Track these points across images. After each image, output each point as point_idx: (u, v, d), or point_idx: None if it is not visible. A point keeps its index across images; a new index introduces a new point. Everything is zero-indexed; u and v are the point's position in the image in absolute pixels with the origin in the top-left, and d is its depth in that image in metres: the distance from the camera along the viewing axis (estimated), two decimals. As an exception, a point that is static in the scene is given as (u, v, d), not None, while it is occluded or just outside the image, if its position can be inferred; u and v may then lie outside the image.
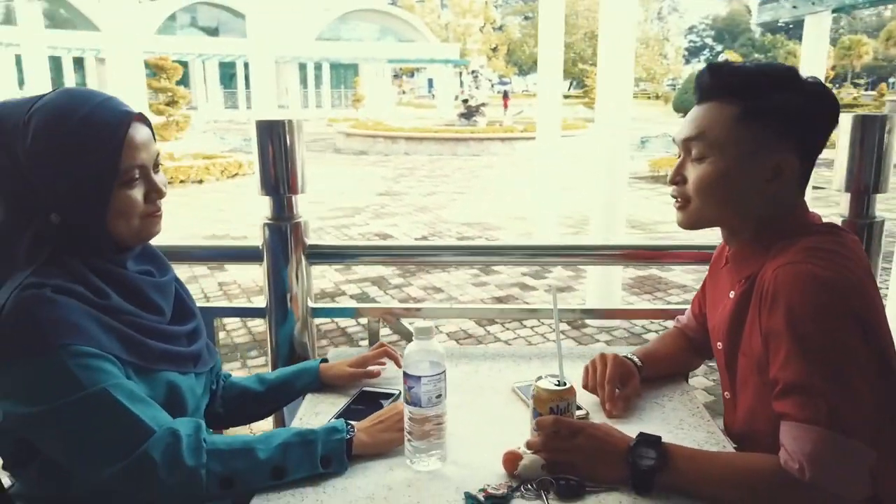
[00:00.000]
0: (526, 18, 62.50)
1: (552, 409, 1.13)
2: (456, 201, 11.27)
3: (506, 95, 30.77)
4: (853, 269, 1.06)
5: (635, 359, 1.42)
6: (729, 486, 1.03)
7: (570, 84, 56.47)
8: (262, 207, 1.64)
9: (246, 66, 37.12)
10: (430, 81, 54.16)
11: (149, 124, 1.16)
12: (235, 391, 1.44)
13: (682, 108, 34.19)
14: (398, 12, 44.72)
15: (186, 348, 1.23)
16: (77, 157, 1.05)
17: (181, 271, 1.34)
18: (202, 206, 10.76)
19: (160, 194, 1.17)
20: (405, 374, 1.11)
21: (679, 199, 1.21)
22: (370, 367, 1.45)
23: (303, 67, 39.69)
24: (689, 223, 1.22)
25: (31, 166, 1.05)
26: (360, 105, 32.96)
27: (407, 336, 1.73)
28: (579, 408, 1.33)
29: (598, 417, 1.32)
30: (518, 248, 1.73)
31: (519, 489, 1.06)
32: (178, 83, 15.96)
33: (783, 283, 1.05)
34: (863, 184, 1.55)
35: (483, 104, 21.17)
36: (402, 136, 19.19)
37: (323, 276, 6.52)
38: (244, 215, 9.55)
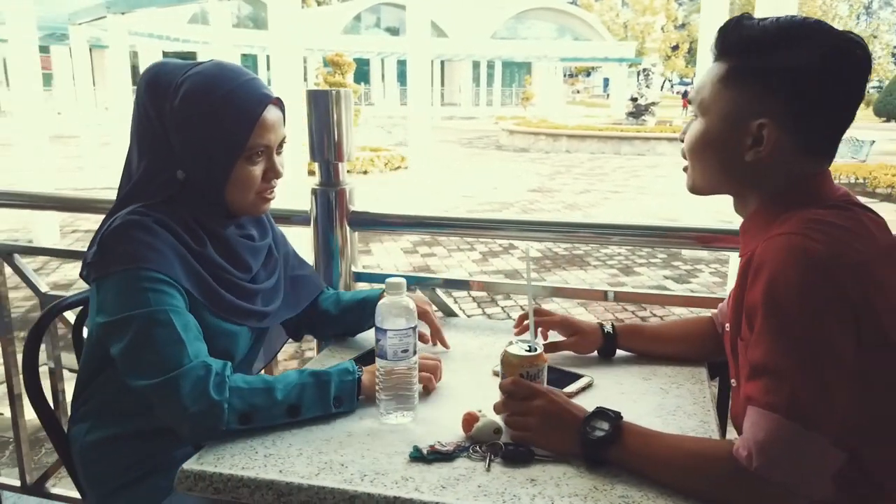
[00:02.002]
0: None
1: (522, 374, 1.11)
2: (609, 200, 11.00)
3: (685, 95, 29.55)
4: (858, 249, 0.94)
5: (607, 325, 1.40)
6: (675, 468, 0.95)
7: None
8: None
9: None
10: (606, 81, 52.97)
11: (283, 109, 1.28)
12: (320, 309, 1.53)
13: (884, 111, 30.83)
14: (575, 11, 44.18)
15: (256, 306, 1.33)
16: (213, 127, 1.19)
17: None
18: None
19: (276, 175, 1.28)
20: (375, 328, 1.14)
21: (684, 159, 1.15)
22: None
23: (476, 66, 40.40)
24: (689, 185, 1.15)
25: (173, 125, 1.20)
26: (529, 103, 32.97)
27: (444, 309, 1.75)
28: (581, 375, 1.30)
29: (603, 386, 1.29)
30: (555, 225, 1.70)
31: (467, 449, 1.06)
32: (359, 80, 16.86)
33: (770, 254, 0.95)
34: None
35: (653, 103, 20.44)
36: (564, 134, 19.00)
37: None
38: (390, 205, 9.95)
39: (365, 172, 13.79)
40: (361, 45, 34.34)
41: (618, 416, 1.02)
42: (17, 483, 2.25)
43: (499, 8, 40.27)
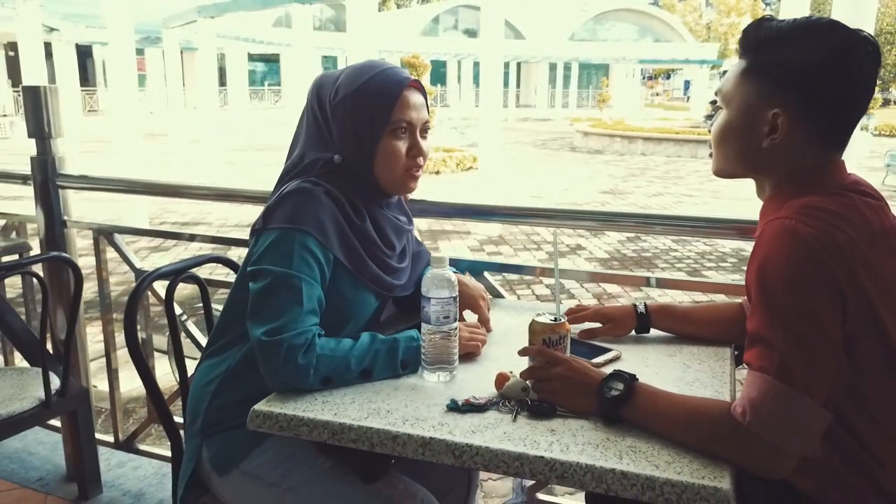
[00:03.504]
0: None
1: (544, 340, 1.24)
2: (682, 203, 10.87)
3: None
4: (846, 231, 1.03)
5: (640, 305, 1.50)
6: (678, 425, 1.06)
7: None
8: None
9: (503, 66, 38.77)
10: (687, 83, 51.75)
11: (423, 93, 1.46)
12: None
13: None
14: (655, 12, 43.37)
15: (392, 279, 1.47)
16: (360, 108, 1.38)
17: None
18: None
19: (420, 152, 1.43)
20: (421, 296, 1.29)
21: (709, 147, 1.27)
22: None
23: (553, 67, 40.19)
24: (714, 170, 1.27)
25: (331, 115, 1.40)
26: (605, 105, 32.58)
27: (492, 291, 1.89)
28: (610, 349, 1.42)
29: (629, 360, 1.40)
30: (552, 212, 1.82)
31: (497, 404, 1.20)
32: (435, 82, 17.14)
33: (766, 236, 1.06)
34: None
35: (733, 106, 19.88)
36: (639, 137, 18.77)
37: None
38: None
39: (437, 173, 14.03)
40: (438, 46, 34.71)
41: (632, 377, 1.14)
42: (112, 440, 2.54)
43: (579, 10, 39.97)
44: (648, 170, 15.23)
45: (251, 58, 31.67)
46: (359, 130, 1.38)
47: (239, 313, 1.36)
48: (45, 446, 2.74)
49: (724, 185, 12.60)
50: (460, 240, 8.61)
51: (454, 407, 1.18)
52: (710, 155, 1.27)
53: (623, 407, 1.11)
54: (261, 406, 1.21)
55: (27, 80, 13.77)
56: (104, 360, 2.50)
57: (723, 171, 1.25)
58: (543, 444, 1.07)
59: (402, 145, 1.41)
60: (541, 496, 2.03)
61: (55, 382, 2.14)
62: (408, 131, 1.41)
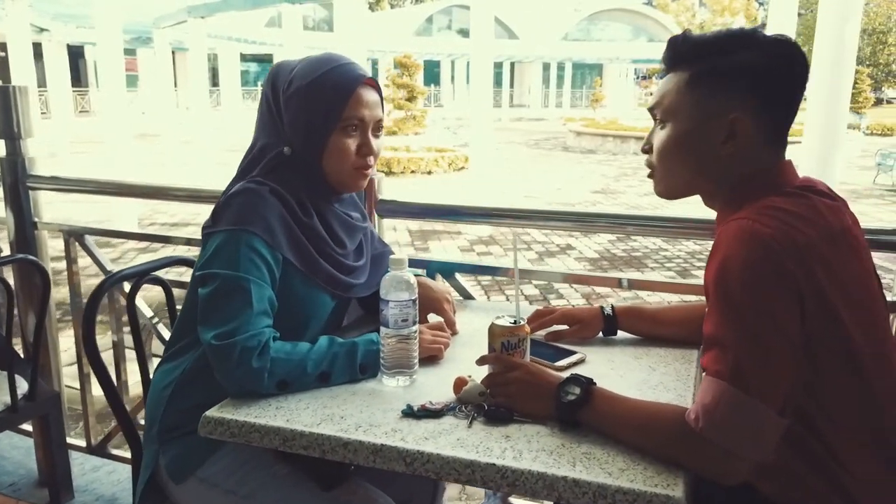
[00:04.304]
0: (797, 16, 57.26)
1: (503, 343, 1.21)
2: (673, 203, 10.85)
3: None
4: (804, 230, 1.01)
5: (607, 307, 1.48)
6: (634, 429, 1.04)
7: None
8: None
9: (495, 66, 38.83)
10: (681, 83, 51.62)
11: (379, 91, 1.43)
12: None
13: None
14: (649, 11, 43.45)
15: (349, 278, 1.45)
16: (313, 101, 1.35)
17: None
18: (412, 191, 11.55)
19: (371, 151, 1.40)
20: (380, 298, 1.27)
21: (650, 169, 1.22)
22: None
23: (546, 67, 40.21)
24: (660, 191, 1.22)
25: (284, 106, 1.37)
26: (598, 105, 32.62)
27: (462, 292, 1.87)
28: (575, 352, 1.40)
29: (595, 362, 1.38)
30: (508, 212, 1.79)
31: (454, 409, 1.17)
32: (429, 81, 17.12)
33: (724, 238, 1.04)
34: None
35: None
36: (632, 136, 18.79)
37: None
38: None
39: (429, 173, 14.01)
40: (432, 46, 34.70)
41: (589, 381, 1.12)
42: (85, 444, 2.51)
43: (573, 10, 40.00)
44: (641, 169, 15.16)
45: (244, 58, 31.57)
46: (310, 124, 1.36)
47: (193, 317, 1.33)
48: (18, 451, 2.70)
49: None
50: (451, 240, 8.59)
51: (409, 412, 1.16)
52: (650, 176, 1.23)
53: (580, 411, 1.09)
54: (212, 412, 1.18)
55: (17, 80, 13.70)
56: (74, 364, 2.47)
57: (673, 189, 1.21)
58: (497, 450, 1.05)
59: (353, 143, 1.38)
60: (513, 499, 2.00)
61: (26, 387, 2.11)
62: (359, 129, 1.39)
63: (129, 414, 1.56)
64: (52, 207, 2.40)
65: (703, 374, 1.02)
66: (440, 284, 1.57)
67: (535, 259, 7.64)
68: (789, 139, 1.16)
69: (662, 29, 41.34)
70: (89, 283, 3.37)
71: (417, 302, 1.28)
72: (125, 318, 1.75)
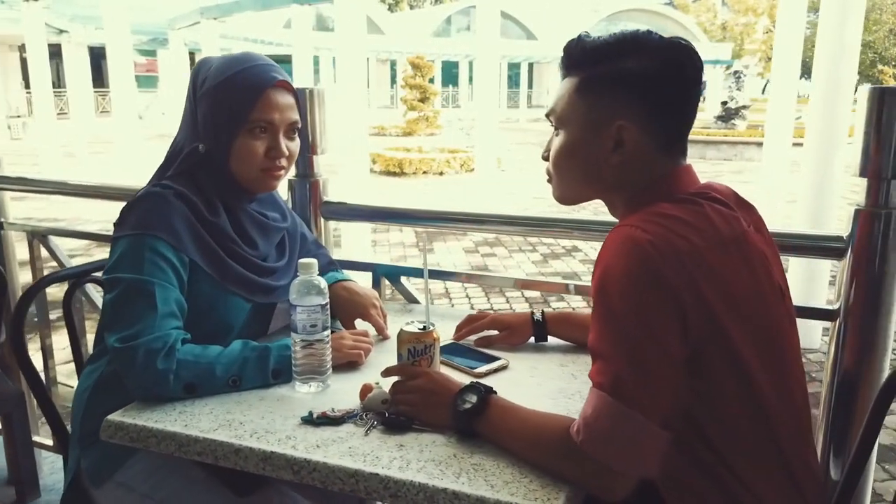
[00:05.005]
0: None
1: (409, 350, 1.19)
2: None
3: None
4: (689, 237, 0.97)
5: (537, 313, 1.45)
6: (521, 439, 1.02)
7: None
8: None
9: (510, 66, 38.69)
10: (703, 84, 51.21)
11: (293, 94, 1.41)
12: None
13: None
14: (669, 12, 43.12)
15: (261, 278, 1.43)
16: (221, 102, 1.34)
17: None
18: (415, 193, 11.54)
19: (280, 153, 1.38)
20: (289, 303, 1.25)
21: (548, 174, 1.19)
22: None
23: (565, 68, 39.98)
24: (556, 197, 1.19)
25: (198, 103, 1.37)
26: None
27: (408, 296, 1.84)
28: (499, 358, 1.37)
29: (517, 369, 1.36)
30: (521, 220, 1.75)
31: (356, 417, 1.15)
32: (447, 82, 17.10)
33: (606, 246, 1.00)
34: (881, 167, 1.34)
35: (744, 106, 19.69)
36: (647, 138, 18.59)
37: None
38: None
39: (441, 174, 13.99)
40: (449, 47, 34.69)
41: (488, 390, 1.09)
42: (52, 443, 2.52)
43: (592, 10, 39.81)
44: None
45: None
46: (218, 124, 1.34)
47: None
48: (-8, 449, 2.73)
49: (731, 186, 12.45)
50: (456, 241, 8.56)
51: (309, 419, 1.14)
52: (548, 180, 1.19)
53: (476, 420, 1.06)
54: (114, 416, 1.17)
55: (35, 81, 13.91)
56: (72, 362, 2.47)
57: (568, 197, 1.17)
58: (385, 459, 1.03)
59: (260, 145, 1.36)
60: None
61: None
62: (268, 131, 1.37)
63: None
64: (66, 208, 2.41)
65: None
66: (367, 290, 1.55)
67: (539, 261, 7.58)
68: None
69: (682, 29, 40.99)
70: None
71: (328, 307, 1.26)
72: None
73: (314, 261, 1.25)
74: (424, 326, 1.21)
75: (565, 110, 1.12)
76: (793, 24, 6.51)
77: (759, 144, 16.56)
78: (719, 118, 20.13)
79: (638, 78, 1.05)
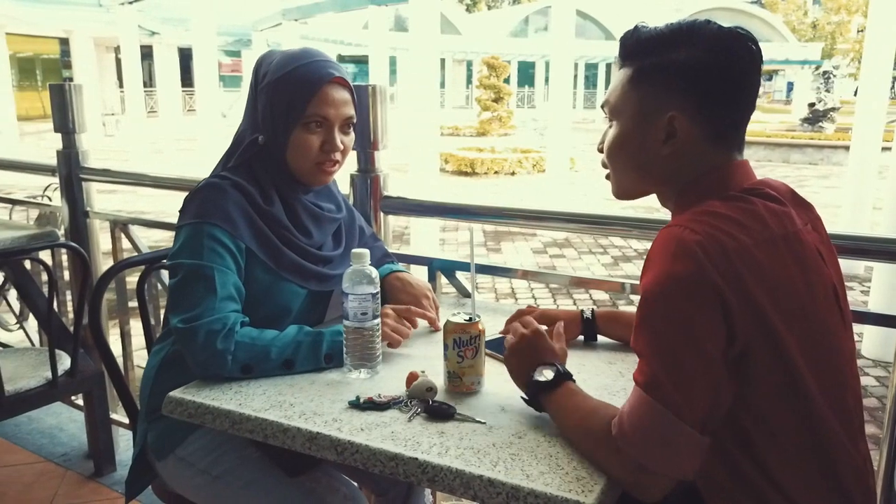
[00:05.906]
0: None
1: (454, 340, 1.21)
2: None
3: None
4: (736, 235, 0.95)
5: (587, 311, 1.45)
6: (574, 424, 1.04)
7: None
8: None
9: (587, 67, 38.19)
10: (790, 85, 49.29)
11: (349, 90, 1.46)
12: None
13: None
14: (756, 10, 41.61)
15: (315, 266, 1.48)
16: (280, 95, 1.40)
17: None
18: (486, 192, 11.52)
19: (333, 148, 1.43)
20: (342, 291, 1.29)
21: (604, 166, 1.18)
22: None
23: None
24: (615, 191, 1.18)
25: (258, 97, 1.44)
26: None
27: (461, 290, 1.86)
28: None
29: (567, 363, 1.33)
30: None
31: (401, 403, 1.18)
32: (523, 83, 17.06)
33: (654, 246, 0.99)
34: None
35: (832, 109, 18.81)
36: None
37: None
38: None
39: (512, 174, 13.97)
40: (526, 48, 34.53)
41: (567, 373, 1.11)
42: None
43: (674, 10, 38.81)
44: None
45: (342, 59, 32.35)
46: (276, 117, 1.39)
47: None
48: (75, 424, 2.90)
49: (814, 192, 11.95)
50: (524, 241, 8.54)
51: (356, 404, 1.18)
52: (607, 177, 1.19)
53: (543, 394, 1.09)
54: (176, 393, 1.24)
55: (127, 81, 14.64)
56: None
57: (625, 191, 1.16)
58: (425, 445, 1.05)
59: (315, 139, 1.41)
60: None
61: (68, 364, 2.27)
62: (323, 126, 1.41)
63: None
64: (154, 201, 2.54)
65: (636, 383, 0.99)
66: (421, 281, 1.58)
67: (609, 264, 7.50)
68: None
69: (770, 29, 39.53)
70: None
71: (378, 297, 1.29)
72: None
73: (366, 251, 1.29)
74: (470, 318, 1.23)
75: (619, 101, 1.11)
76: (885, 21, 6.20)
77: (848, 148, 15.93)
78: (805, 120, 19.32)
79: (689, 69, 1.03)
